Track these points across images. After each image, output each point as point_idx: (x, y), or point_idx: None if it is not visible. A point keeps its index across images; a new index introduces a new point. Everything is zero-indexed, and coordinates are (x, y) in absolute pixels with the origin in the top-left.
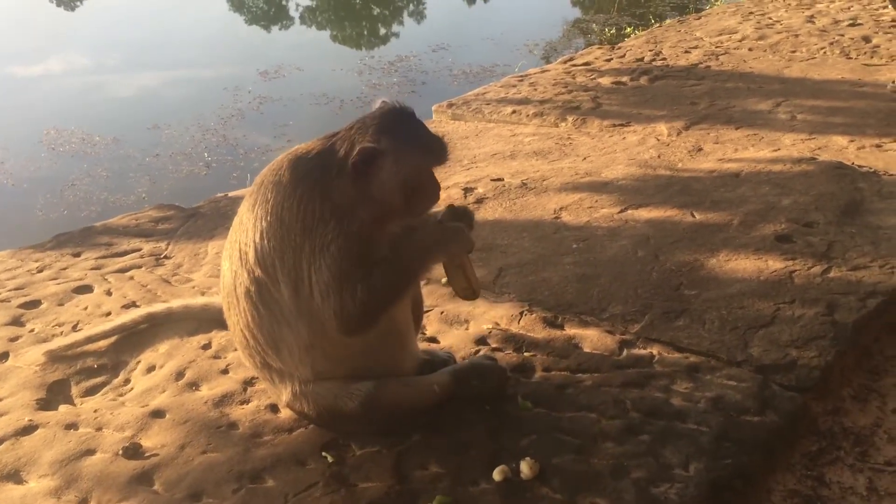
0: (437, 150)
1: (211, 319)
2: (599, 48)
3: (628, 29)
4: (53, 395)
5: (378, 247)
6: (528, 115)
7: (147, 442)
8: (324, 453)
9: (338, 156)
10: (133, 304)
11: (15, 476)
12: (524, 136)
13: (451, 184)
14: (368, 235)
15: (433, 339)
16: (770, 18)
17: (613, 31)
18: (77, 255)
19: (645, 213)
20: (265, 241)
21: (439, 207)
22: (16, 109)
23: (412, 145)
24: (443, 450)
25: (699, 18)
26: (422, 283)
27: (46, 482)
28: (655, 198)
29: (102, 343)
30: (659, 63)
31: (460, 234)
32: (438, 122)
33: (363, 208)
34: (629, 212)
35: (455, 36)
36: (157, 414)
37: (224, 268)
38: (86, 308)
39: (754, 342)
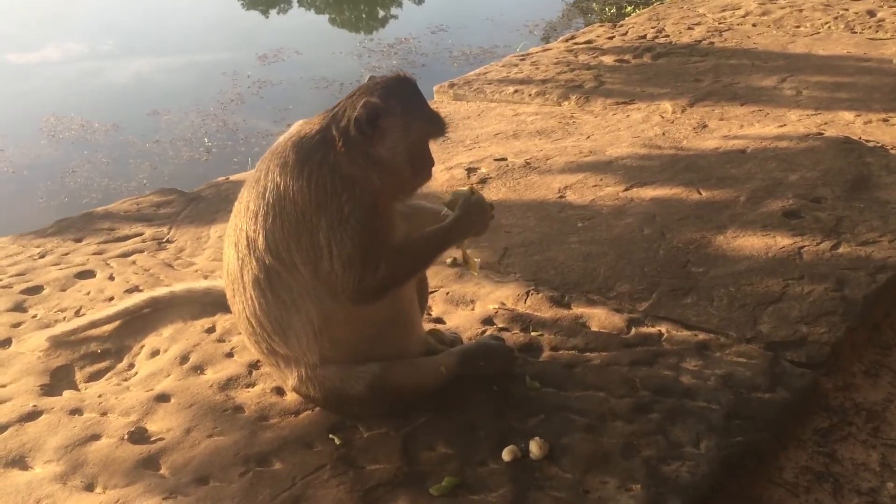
0: (439, 120)
1: (214, 303)
2: (601, 26)
3: (628, 8)
4: (57, 381)
5: (393, 221)
6: (530, 95)
7: (152, 426)
8: (331, 436)
9: (340, 125)
10: (136, 289)
11: (20, 462)
12: (527, 115)
13: (455, 164)
14: (384, 208)
15: (439, 320)
16: None
17: (614, 9)
18: (79, 240)
19: (650, 191)
20: (277, 227)
21: (441, 189)
22: (14, 97)
23: (418, 111)
24: (450, 431)
25: None
26: None
27: (52, 468)
28: (661, 175)
29: (106, 328)
30: (662, 40)
31: (486, 215)
32: (440, 103)
33: (375, 175)
34: (634, 190)
35: (454, 17)
36: (162, 398)
37: (229, 255)
38: (88, 293)
39: (763, 319)
